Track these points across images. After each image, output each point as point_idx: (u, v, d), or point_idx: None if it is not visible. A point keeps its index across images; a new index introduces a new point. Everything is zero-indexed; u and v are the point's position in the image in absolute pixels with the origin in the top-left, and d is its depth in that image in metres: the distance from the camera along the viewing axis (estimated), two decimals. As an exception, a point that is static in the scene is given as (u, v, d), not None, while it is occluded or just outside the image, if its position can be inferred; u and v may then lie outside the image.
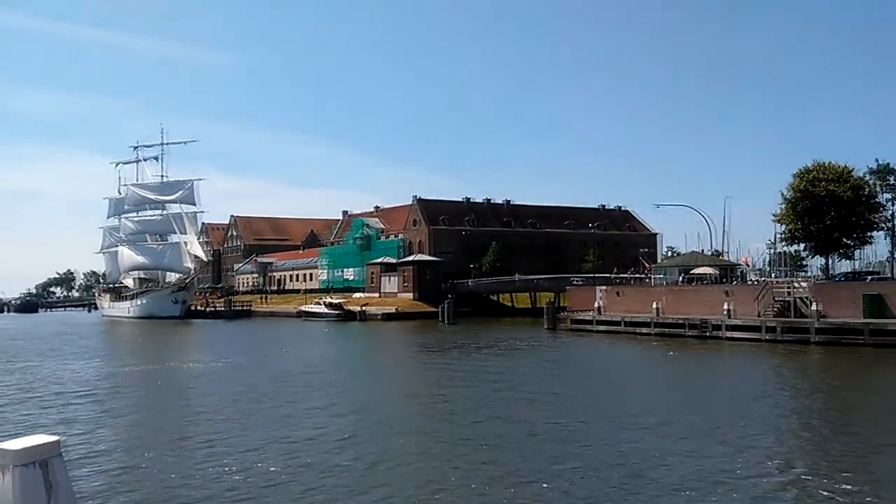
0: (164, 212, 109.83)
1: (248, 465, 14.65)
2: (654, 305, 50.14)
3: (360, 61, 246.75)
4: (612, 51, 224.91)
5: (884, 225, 62.06)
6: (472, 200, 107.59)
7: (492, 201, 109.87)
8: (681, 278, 58.25)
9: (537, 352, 41.60)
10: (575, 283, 72.90)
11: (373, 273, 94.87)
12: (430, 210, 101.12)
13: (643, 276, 70.46)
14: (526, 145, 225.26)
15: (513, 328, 61.85)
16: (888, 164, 63.41)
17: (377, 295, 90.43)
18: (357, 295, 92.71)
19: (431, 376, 31.00)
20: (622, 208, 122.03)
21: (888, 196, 63.51)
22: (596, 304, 56.61)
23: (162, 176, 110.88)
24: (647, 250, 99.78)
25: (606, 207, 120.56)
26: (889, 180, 63.29)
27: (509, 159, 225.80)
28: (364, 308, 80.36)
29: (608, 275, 75.26)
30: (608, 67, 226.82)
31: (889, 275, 62.31)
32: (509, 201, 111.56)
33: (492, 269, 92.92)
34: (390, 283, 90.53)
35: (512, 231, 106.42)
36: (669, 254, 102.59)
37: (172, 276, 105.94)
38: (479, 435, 17.40)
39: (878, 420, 19.56)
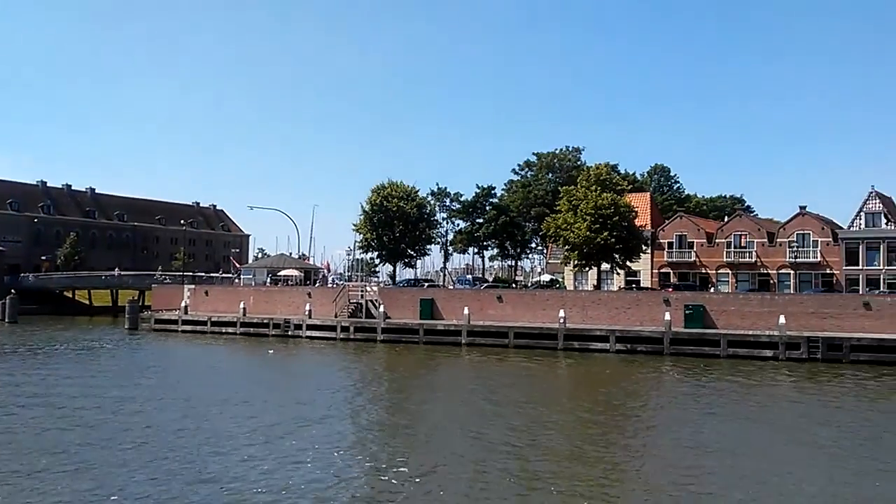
0: None
1: None
2: (241, 305, 51.72)
3: None
4: (208, 48, 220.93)
5: (439, 239, 74.82)
6: (48, 185, 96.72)
7: (72, 188, 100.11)
8: (268, 279, 60.99)
9: (114, 355, 39.39)
10: (164, 281, 70.66)
11: None
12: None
13: (232, 275, 71.78)
14: (115, 131, 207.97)
15: (88, 329, 57.10)
16: (445, 188, 77.55)
17: (-89, 289, 75.29)
18: None
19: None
20: (216, 207, 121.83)
21: (444, 215, 77.05)
22: (183, 304, 55.95)
23: None
24: (238, 250, 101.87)
25: (201, 205, 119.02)
26: (445, 202, 76.91)
27: (96, 144, 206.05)
28: None
29: (198, 273, 74.90)
30: (199, 64, 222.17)
31: (441, 283, 74.37)
32: (93, 189, 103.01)
33: (68, 262, 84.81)
34: (-69, 275, 76.24)
35: (95, 222, 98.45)
36: (260, 255, 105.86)
37: None
38: (38, 457, 16.73)
39: (432, 406, 24.23)
